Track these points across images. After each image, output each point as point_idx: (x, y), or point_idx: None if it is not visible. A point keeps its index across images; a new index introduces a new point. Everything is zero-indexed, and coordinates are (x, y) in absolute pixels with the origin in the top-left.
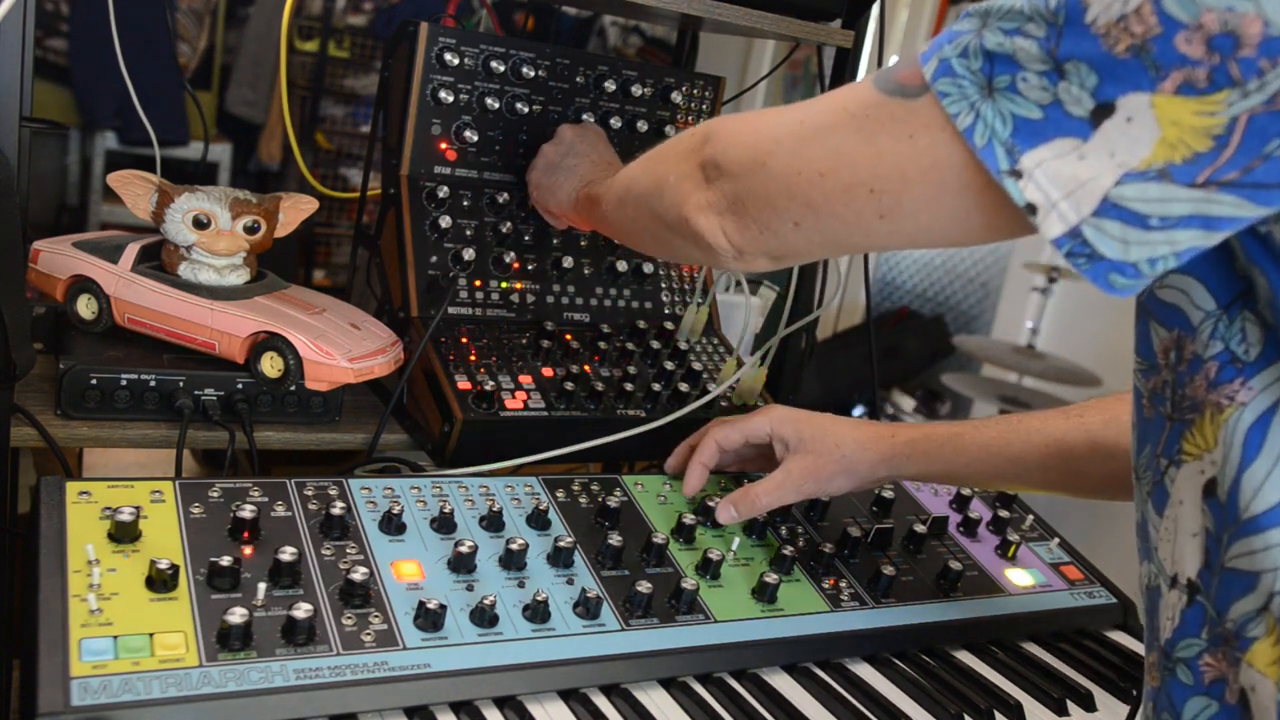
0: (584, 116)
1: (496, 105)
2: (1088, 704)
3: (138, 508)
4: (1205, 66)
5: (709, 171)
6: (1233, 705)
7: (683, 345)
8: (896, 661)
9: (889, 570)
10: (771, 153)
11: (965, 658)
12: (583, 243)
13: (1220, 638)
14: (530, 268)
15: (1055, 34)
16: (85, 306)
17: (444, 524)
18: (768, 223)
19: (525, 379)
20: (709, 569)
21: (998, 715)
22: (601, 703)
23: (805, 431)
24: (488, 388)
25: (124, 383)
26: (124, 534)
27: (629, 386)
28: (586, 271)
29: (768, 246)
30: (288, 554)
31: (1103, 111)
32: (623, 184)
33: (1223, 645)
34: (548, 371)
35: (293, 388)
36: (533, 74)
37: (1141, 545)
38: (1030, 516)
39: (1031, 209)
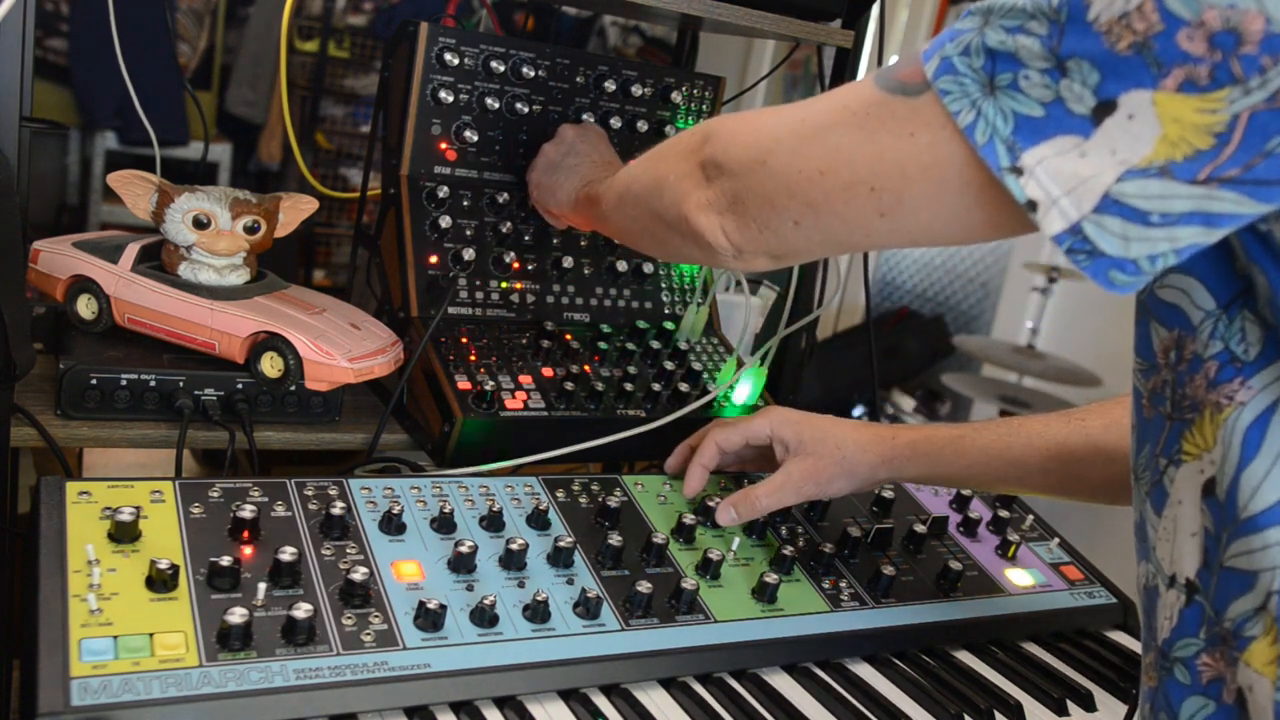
0: (584, 116)
1: (496, 105)
2: (1088, 704)
3: (138, 508)
4: (1207, 64)
5: (709, 170)
6: (1230, 705)
7: (683, 345)
8: (896, 661)
9: (889, 570)
10: (772, 151)
11: (965, 658)
12: (583, 243)
13: (1218, 637)
14: (530, 268)
15: (1057, 31)
16: (85, 306)
17: (444, 524)
18: (767, 221)
19: (525, 379)
20: (709, 569)
21: (998, 715)
22: (601, 703)
23: (805, 433)
24: (488, 388)
25: (124, 383)
26: (124, 534)
27: (629, 386)
28: (586, 271)
29: (767, 245)
30: (288, 554)
31: (1104, 109)
32: (623, 183)
33: (1220, 645)
34: (548, 371)
35: (293, 388)
36: (533, 74)
37: (1140, 545)
38: (1030, 516)
39: (1032, 206)
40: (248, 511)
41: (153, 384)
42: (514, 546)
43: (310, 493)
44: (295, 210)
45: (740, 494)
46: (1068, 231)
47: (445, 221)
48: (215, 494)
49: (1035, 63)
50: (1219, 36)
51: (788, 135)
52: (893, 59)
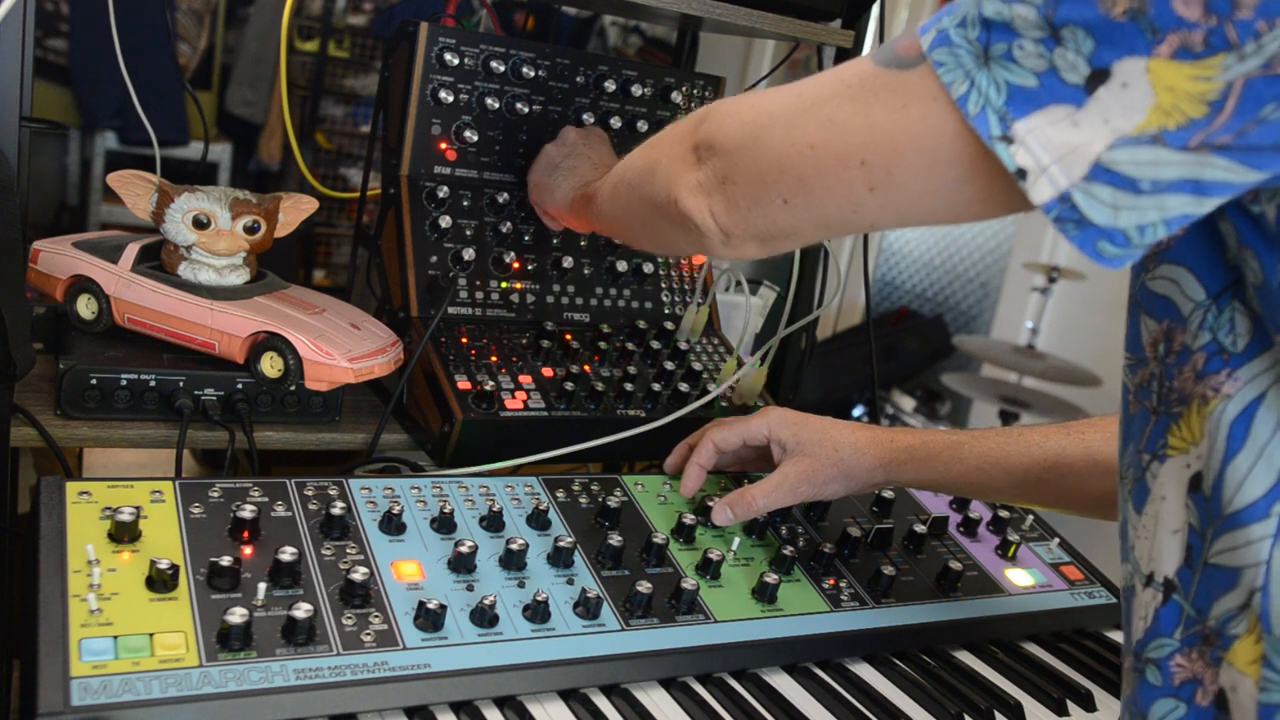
0: (584, 116)
1: (496, 105)
2: (1088, 704)
3: (138, 508)
4: (1202, 29)
5: (701, 151)
6: (1204, 708)
7: (683, 345)
8: (896, 661)
9: (889, 570)
10: (765, 127)
11: (965, 658)
12: (583, 243)
13: (1199, 636)
14: (530, 268)
15: (1053, 1)
16: (85, 306)
17: (444, 524)
18: (756, 200)
19: (525, 379)
20: (709, 569)
21: (998, 715)
22: (601, 703)
23: (803, 435)
24: (488, 388)
25: (124, 383)
26: (124, 534)
27: (629, 386)
28: (586, 271)
29: (755, 227)
30: (288, 554)
31: (1098, 78)
32: (618, 173)
33: (1201, 644)
34: (548, 371)
35: (293, 388)
36: (533, 74)
37: (1121, 545)
38: (1030, 517)
39: (1022, 174)
40: (248, 511)
41: (153, 384)
42: (514, 546)
43: (310, 493)
44: (295, 210)
45: (736, 494)
46: (1056, 200)
47: (445, 221)
48: (215, 494)
49: (1030, 32)
50: (1214, 1)
51: (782, 111)
52: None
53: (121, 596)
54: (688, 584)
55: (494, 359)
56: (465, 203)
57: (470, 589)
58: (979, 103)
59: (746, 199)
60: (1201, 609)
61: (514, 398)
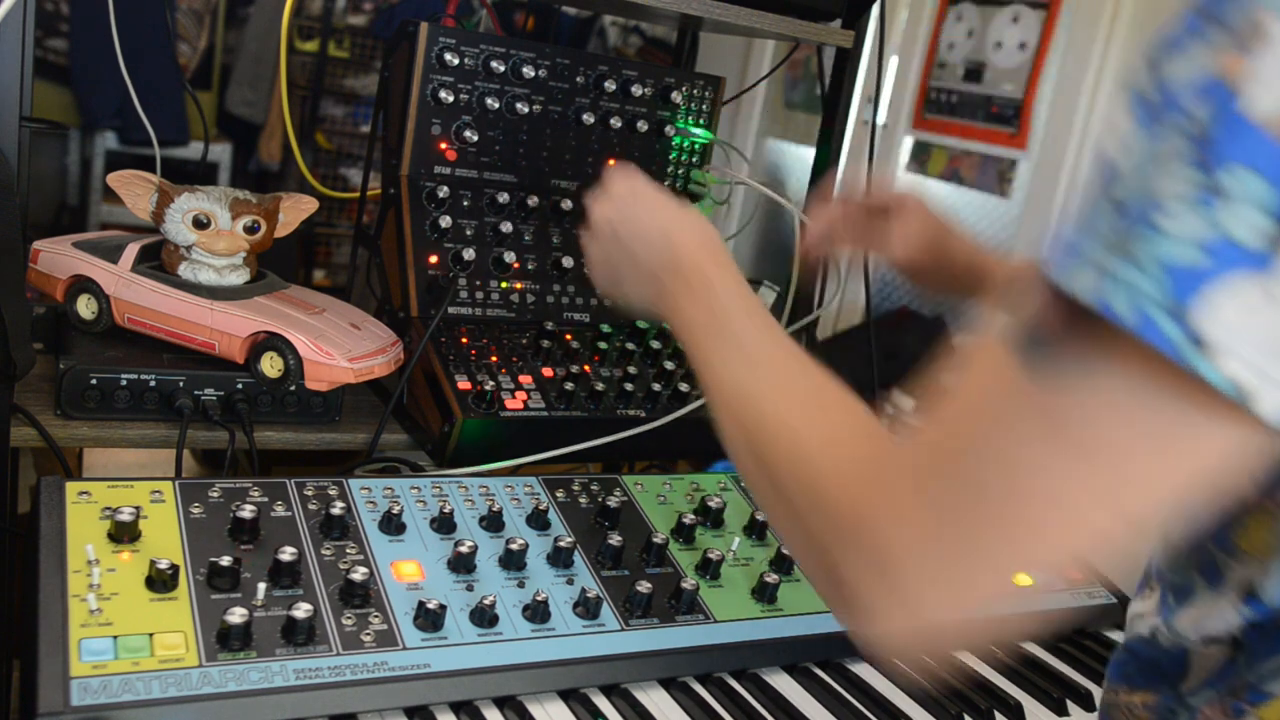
0: (584, 116)
1: (496, 105)
2: (1088, 704)
3: (138, 508)
4: None
5: (875, 594)
6: None
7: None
8: (896, 661)
9: None
10: (947, 540)
11: (964, 658)
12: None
13: (1230, 688)
14: (530, 268)
15: (1203, 144)
16: (85, 306)
17: (444, 524)
18: (965, 592)
19: (525, 379)
20: (709, 569)
21: (998, 715)
22: (601, 703)
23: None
24: (488, 388)
25: (124, 383)
26: (124, 534)
27: (629, 386)
28: (586, 271)
29: (965, 605)
30: (288, 554)
31: None
32: (735, 453)
33: (1226, 694)
34: (548, 371)
35: (293, 388)
36: (533, 74)
37: (1171, 603)
38: None
39: (1238, 390)
40: (248, 511)
41: (153, 384)
42: (514, 546)
43: (310, 493)
44: (295, 210)
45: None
46: None
47: (445, 221)
48: (215, 494)
49: (1177, 188)
50: None
51: (949, 492)
52: (892, 59)
53: (121, 596)
54: (688, 584)
55: (494, 359)
56: (465, 203)
57: (470, 589)
58: (1133, 305)
59: (957, 589)
60: (1249, 663)
61: (514, 398)
